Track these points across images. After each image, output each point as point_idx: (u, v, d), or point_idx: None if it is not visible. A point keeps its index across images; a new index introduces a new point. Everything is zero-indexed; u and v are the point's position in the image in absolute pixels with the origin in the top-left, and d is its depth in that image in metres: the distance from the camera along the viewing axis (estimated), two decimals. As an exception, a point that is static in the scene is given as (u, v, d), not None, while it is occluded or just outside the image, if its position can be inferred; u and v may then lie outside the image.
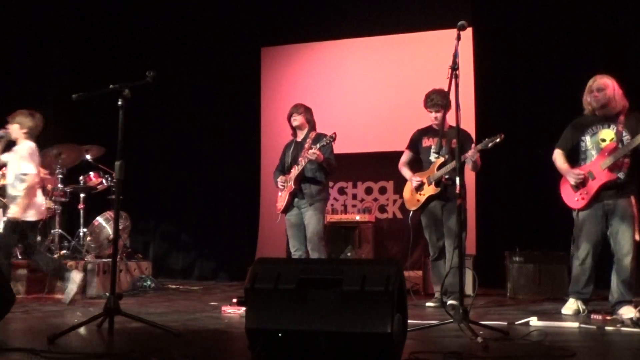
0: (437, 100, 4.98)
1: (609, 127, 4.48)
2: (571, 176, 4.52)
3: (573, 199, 4.54)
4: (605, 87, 4.46)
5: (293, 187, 5.25)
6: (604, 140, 4.48)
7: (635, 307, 4.23)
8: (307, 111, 5.42)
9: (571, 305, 4.54)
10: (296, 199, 5.30)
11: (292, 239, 5.38)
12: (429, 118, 5.17)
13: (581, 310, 4.50)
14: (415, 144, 5.29)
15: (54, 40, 8.34)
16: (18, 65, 7.97)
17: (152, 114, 8.42)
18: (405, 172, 5.30)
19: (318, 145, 5.10)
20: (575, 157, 4.64)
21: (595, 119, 4.55)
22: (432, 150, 5.11)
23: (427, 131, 5.25)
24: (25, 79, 8.08)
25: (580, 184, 4.48)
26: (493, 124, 6.65)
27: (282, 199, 5.35)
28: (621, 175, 4.40)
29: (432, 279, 5.37)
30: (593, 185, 4.43)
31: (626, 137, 4.40)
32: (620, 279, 4.35)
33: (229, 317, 4.45)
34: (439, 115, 5.04)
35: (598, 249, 4.51)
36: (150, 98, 7.98)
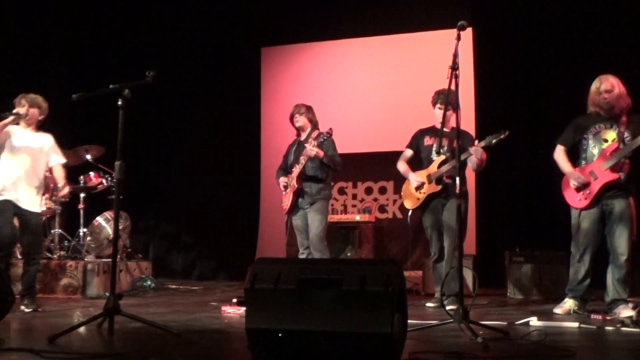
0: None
1: (611, 127, 4.48)
2: (573, 179, 4.54)
3: (576, 198, 4.56)
4: (612, 88, 4.44)
5: (296, 186, 5.26)
6: (606, 141, 4.48)
7: (634, 307, 4.24)
8: (308, 111, 5.43)
9: (564, 305, 4.56)
10: (300, 200, 5.30)
11: (299, 239, 5.40)
12: (435, 116, 5.11)
13: (575, 308, 4.50)
14: (416, 142, 5.29)
15: (53, 40, 8.34)
16: (18, 65, 7.97)
17: (152, 114, 8.41)
18: (402, 166, 5.29)
19: (316, 142, 5.11)
20: (575, 154, 4.66)
21: (598, 118, 4.55)
22: (433, 150, 5.11)
23: (429, 130, 5.24)
24: (25, 79, 8.08)
25: (583, 185, 4.51)
26: (493, 124, 6.63)
27: (287, 198, 5.35)
28: (622, 175, 4.42)
29: (433, 280, 5.36)
30: (595, 185, 4.45)
31: (627, 137, 4.41)
32: (616, 277, 4.40)
33: (229, 317, 4.45)
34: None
35: (596, 248, 4.53)
36: (150, 98, 7.98)
